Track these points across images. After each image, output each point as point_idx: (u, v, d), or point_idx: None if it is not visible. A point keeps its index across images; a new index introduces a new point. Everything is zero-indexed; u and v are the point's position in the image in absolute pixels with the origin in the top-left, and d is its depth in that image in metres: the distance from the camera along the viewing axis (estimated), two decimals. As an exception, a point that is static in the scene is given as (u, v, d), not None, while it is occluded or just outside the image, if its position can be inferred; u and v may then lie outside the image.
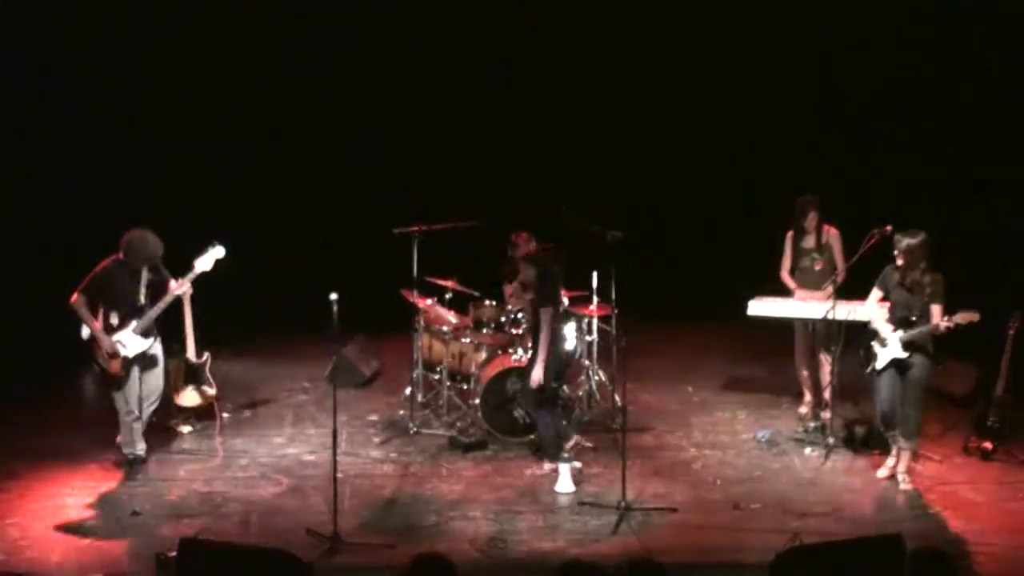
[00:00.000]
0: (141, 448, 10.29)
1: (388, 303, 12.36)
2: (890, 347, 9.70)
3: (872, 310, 10.00)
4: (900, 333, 9.65)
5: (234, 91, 14.95)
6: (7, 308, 13.07)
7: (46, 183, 14.18)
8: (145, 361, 10.30)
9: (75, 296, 10.03)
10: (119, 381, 10.16)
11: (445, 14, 15.07)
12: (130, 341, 10.12)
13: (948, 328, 9.47)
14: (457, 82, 15.31)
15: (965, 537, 8.93)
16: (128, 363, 10.15)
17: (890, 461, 10.07)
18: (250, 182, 15.09)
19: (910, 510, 9.51)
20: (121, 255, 10.07)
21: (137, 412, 10.24)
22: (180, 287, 10.25)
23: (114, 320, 10.12)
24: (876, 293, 9.97)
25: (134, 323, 10.11)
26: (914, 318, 9.62)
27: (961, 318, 9.43)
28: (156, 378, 10.46)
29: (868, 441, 10.72)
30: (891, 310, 9.83)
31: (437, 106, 15.35)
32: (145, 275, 10.17)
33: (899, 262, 9.67)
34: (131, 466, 10.20)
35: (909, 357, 9.65)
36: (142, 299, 10.16)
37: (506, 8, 15.18)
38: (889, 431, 9.96)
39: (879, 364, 9.78)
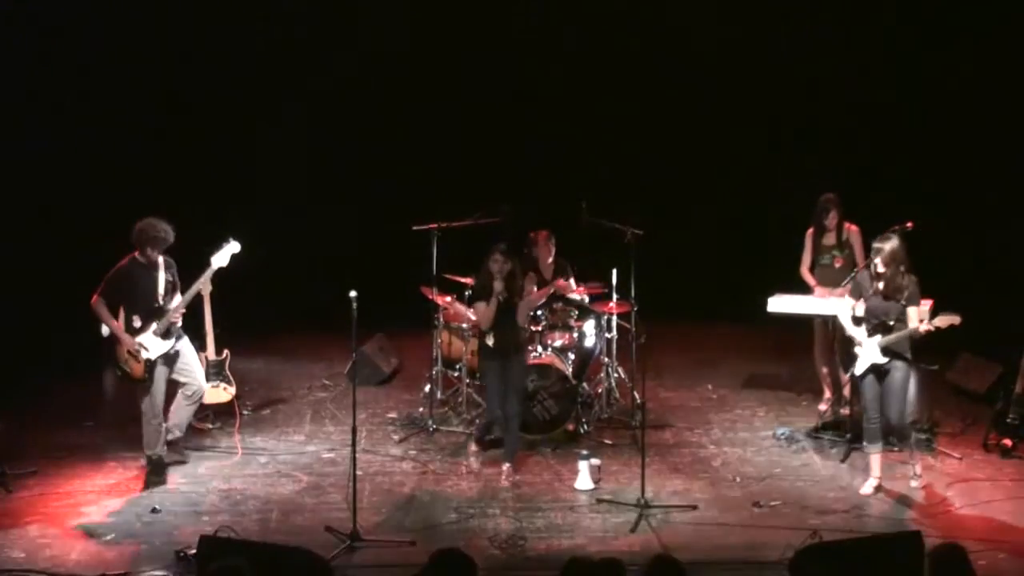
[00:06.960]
0: (163, 449, 10.15)
1: (407, 300, 12.36)
2: (868, 353, 9.58)
3: (839, 312, 9.91)
4: (878, 338, 9.51)
5: (256, 88, 14.96)
6: (27, 307, 13.10)
7: (63, 181, 14.14)
8: (171, 360, 10.14)
9: (94, 298, 9.88)
10: (144, 384, 9.99)
11: (461, 8, 15.04)
12: (152, 343, 9.95)
13: (928, 331, 9.35)
14: (477, 77, 15.26)
15: (984, 534, 8.90)
16: (151, 366, 9.99)
17: (915, 467, 9.93)
18: (269, 178, 15.07)
19: (929, 507, 9.49)
20: (136, 252, 9.97)
21: (162, 416, 10.12)
22: (199, 286, 10.20)
23: (136, 323, 9.94)
24: (848, 300, 9.84)
25: (154, 325, 9.95)
26: (892, 323, 9.49)
27: (941, 321, 9.27)
28: (191, 373, 10.27)
29: (888, 438, 10.69)
30: (866, 316, 9.66)
31: (456, 101, 15.30)
32: (163, 276, 10.01)
33: (881, 269, 9.44)
34: (153, 466, 10.06)
35: (888, 362, 9.53)
36: (160, 300, 10.00)
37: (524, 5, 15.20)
38: (891, 438, 9.91)
39: (858, 370, 9.68)
